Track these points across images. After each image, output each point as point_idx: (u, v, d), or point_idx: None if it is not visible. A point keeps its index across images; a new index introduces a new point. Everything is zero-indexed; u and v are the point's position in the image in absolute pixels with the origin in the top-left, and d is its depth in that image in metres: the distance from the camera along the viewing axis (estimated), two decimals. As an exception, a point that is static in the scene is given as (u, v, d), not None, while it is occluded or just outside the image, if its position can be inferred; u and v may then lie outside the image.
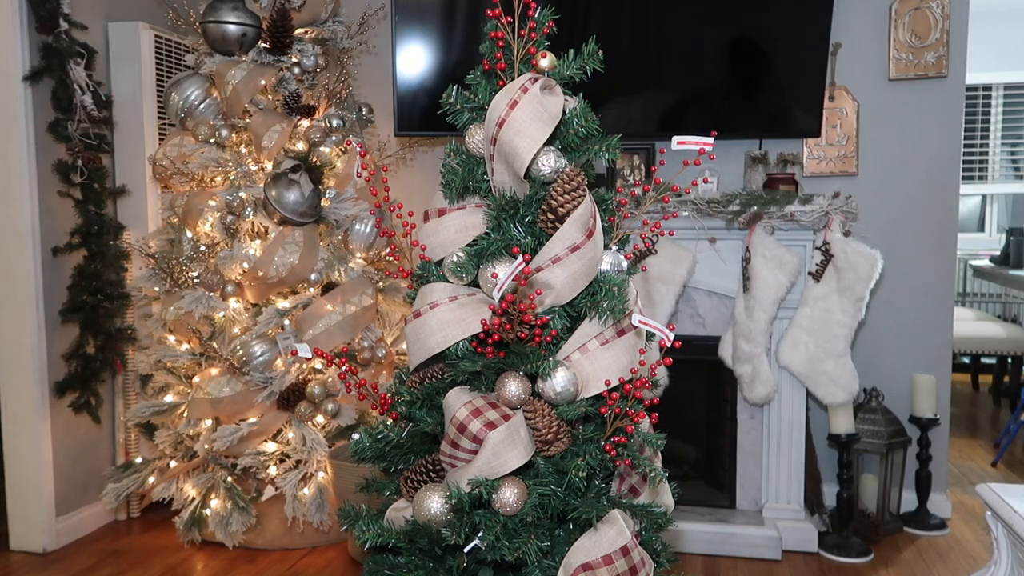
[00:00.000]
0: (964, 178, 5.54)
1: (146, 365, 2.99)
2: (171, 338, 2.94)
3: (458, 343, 1.51)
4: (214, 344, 2.84)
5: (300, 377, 2.82)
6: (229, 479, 2.81)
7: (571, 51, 1.54)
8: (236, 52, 2.90)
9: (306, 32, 3.03)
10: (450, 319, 1.51)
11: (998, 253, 5.11)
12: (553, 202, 1.48)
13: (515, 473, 1.45)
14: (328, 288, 2.87)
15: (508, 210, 1.52)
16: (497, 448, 1.42)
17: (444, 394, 1.53)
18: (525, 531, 1.43)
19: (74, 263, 2.93)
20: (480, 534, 1.42)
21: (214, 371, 2.85)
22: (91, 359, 2.95)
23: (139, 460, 3.04)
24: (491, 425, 1.43)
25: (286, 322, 2.84)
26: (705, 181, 3.07)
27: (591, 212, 1.49)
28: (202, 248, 2.86)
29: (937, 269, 3.15)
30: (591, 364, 1.49)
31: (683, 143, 1.49)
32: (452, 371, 1.53)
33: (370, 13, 3.29)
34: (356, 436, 1.64)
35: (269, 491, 2.80)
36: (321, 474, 2.83)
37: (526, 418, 1.47)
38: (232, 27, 2.86)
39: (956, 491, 3.43)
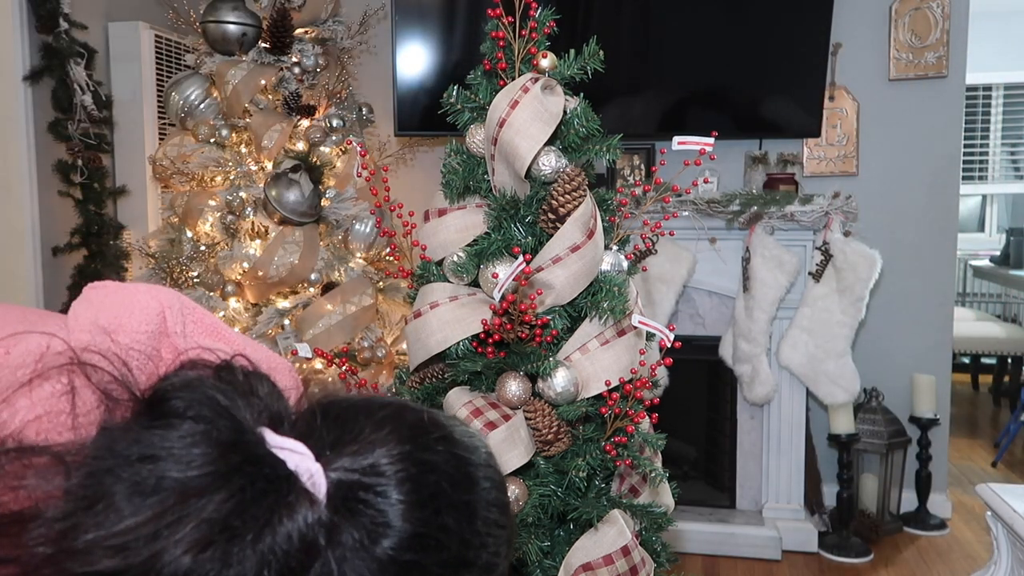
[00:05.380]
0: (964, 178, 5.52)
1: (146, 365, 2.99)
2: (171, 338, 2.93)
3: (458, 343, 1.51)
4: (214, 344, 2.84)
5: (300, 377, 2.82)
6: (229, 479, 2.81)
7: (572, 51, 1.54)
8: (236, 52, 2.90)
9: (306, 32, 3.03)
10: (450, 319, 1.51)
11: (998, 253, 5.11)
12: (554, 202, 1.48)
13: (515, 473, 1.45)
14: (328, 288, 2.87)
15: (508, 210, 1.52)
16: (497, 448, 1.41)
17: (444, 394, 1.53)
18: (525, 531, 1.43)
19: (74, 263, 2.93)
20: (480, 534, 1.42)
21: (214, 371, 2.85)
22: (91, 359, 2.95)
23: (139, 460, 3.03)
24: (491, 425, 1.43)
25: (286, 322, 2.84)
26: (705, 181, 3.07)
27: (592, 212, 1.49)
28: (202, 248, 2.86)
29: (937, 269, 3.15)
30: (591, 364, 1.49)
31: (683, 143, 1.49)
32: (452, 371, 1.52)
33: (370, 13, 3.28)
34: (356, 436, 1.64)
35: (269, 491, 2.79)
36: (321, 474, 2.82)
37: (526, 418, 1.47)
38: (232, 27, 2.85)
39: (956, 491, 3.43)
